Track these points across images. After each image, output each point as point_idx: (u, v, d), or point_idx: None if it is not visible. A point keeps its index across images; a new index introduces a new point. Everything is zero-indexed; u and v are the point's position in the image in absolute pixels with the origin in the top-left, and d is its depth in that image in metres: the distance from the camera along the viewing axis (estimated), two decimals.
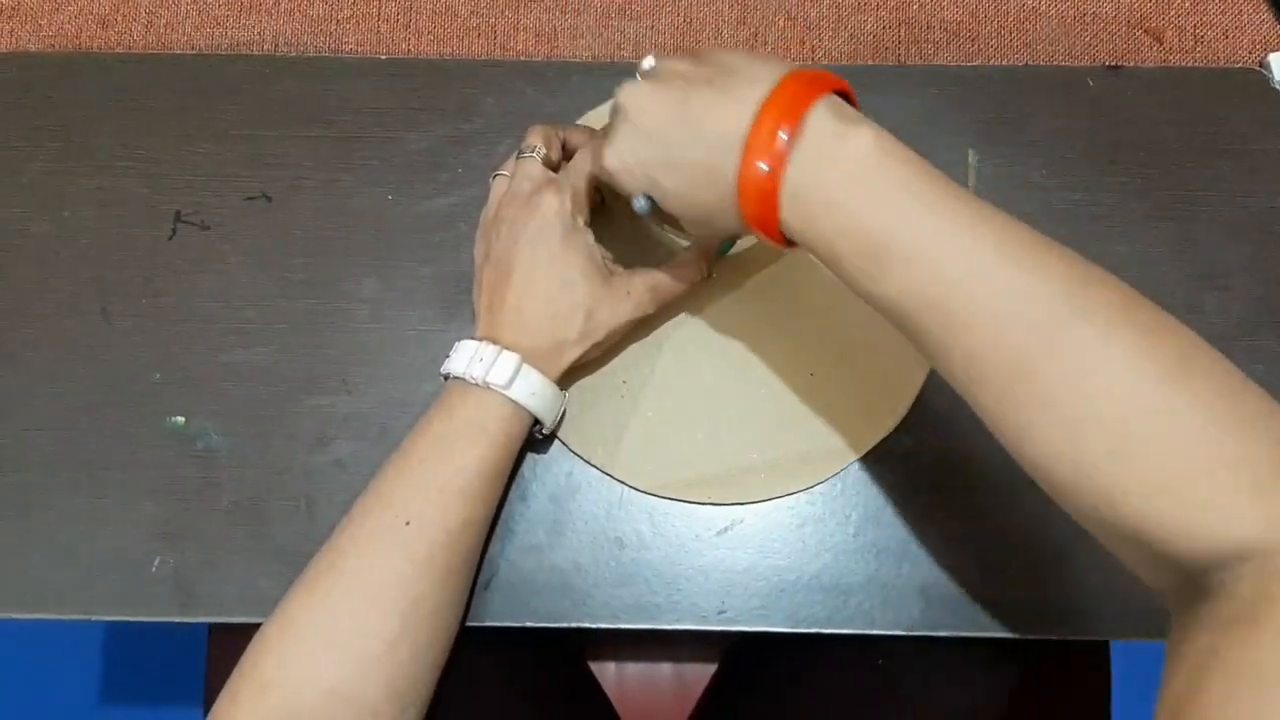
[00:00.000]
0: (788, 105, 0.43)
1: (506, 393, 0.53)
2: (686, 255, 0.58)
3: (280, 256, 0.63)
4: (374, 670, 0.49)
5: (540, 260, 0.55)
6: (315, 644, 0.49)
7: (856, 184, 0.42)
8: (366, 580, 0.50)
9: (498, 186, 0.58)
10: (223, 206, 0.63)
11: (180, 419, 0.61)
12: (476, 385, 0.53)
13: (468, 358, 0.54)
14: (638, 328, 0.59)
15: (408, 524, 0.51)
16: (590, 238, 0.56)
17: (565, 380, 0.58)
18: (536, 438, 0.58)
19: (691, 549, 0.59)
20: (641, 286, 0.56)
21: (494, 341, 0.54)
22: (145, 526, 0.60)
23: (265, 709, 0.48)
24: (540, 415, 0.55)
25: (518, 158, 0.57)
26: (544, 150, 0.57)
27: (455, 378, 0.54)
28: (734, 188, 0.45)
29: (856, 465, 0.60)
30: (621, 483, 0.60)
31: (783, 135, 0.43)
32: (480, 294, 0.57)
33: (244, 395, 0.61)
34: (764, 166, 0.43)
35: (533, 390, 0.54)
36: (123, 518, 0.60)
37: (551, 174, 0.56)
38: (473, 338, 0.55)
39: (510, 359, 0.53)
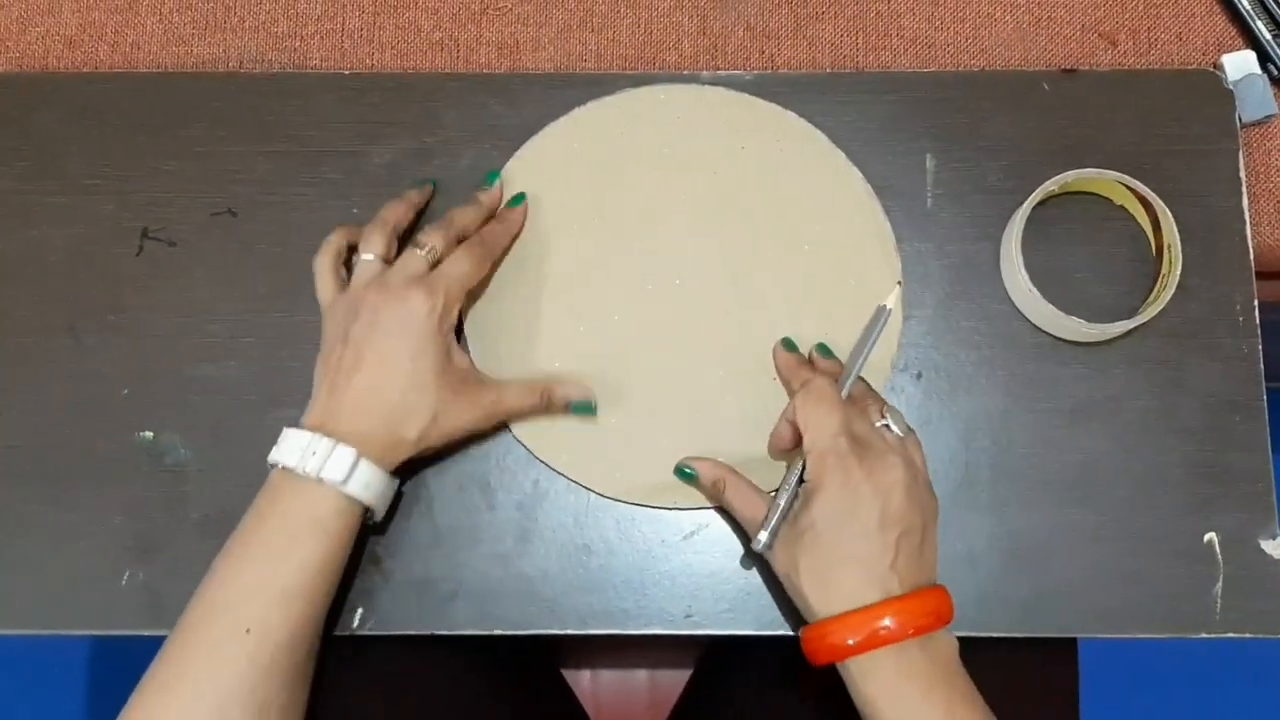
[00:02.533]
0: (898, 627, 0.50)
1: (343, 489, 0.51)
2: (533, 385, 0.59)
3: (246, 271, 0.63)
4: None
5: (399, 354, 0.54)
6: None
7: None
8: (211, 691, 0.48)
9: (365, 270, 0.57)
10: (189, 222, 0.64)
11: (149, 434, 0.61)
12: (308, 479, 0.52)
13: (300, 450, 0.52)
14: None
15: (248, 631, 0.49)
16: (454, 342, 0.57)
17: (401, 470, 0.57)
18: (366, 524, 0.56)
19: (658, 554, 0.60)
20: (488, 399, 0.57)
21: (327, 431, 0.53)
22: (115, 541, 0.60)
23: None
24: (373, 506, 0.54)
25: (411, 246, 0.57)
26: (438, 250, 0.57)
27: (285, 469, 0.52)
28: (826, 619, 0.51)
29: None
30: (588, 489, 0.60)
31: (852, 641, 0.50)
32: (324, 374, 0.55)
33: (212, 409, 0.61)
34: (851, 641, 0.50)
35: (367, 483, 0.52)
36: (92, 532, 0.60)
37: (428, 272, 0.56)
38: (298, 425, 0.54)
39: (346, 453, 0.52)
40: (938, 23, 0.67)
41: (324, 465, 0.51)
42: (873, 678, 0.50)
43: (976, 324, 0.62)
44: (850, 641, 0.49)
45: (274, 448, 0.53)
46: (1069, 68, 0.66)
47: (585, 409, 0.60)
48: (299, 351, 0.61)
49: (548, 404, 0.59)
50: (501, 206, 0.62)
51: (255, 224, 0.64)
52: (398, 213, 0.60)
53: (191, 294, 0.63)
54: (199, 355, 0.62)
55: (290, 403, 0.61)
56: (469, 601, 0.59)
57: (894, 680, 0.49)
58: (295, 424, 0.54)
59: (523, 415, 0.59)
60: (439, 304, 0.55)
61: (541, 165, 0.64)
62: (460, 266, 0.57)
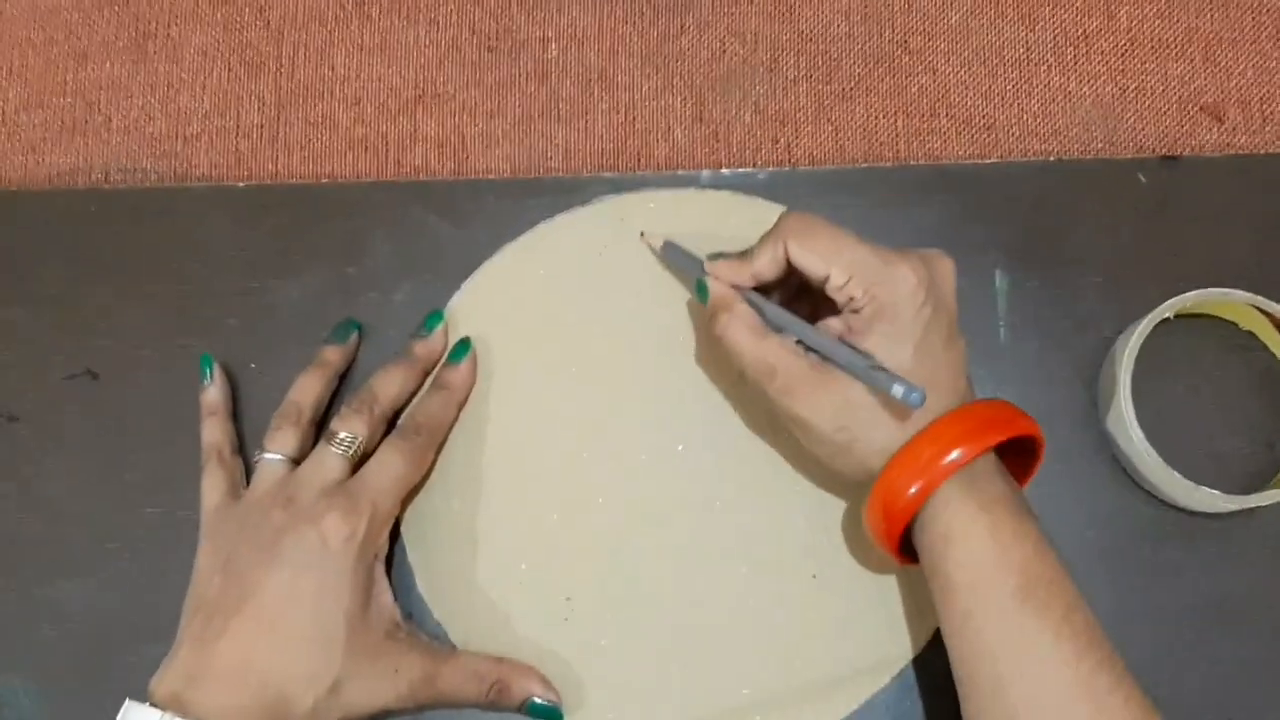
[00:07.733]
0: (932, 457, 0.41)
1: None
2: (481, 670, 0.46)
3: (110, 453, 0.52)
4: None
5: (298, 594, 0.42)
6: None
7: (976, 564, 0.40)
8: None
9: (267, 474, 0.46)
10: (35, 390, 0.52)
11: None
12: None
13: None
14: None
15: None
16: (381, 580, 0.45)
17: None
18: None
19: None
20: (416, 672, 0.44)
21: (182, 706, 0.40)
22: None
23: None
24: None
25: (326, 441, 0.46)
26: (361, 439, 0.46)
27: None
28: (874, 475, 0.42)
29: (879, 697, 0.47)
30: None
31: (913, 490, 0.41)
32: (191, 616, 0.44)
33: (64, 642, 0.50)
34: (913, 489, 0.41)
35: None
36: None
37: (348, 477, 0.45)
38: (144, 697, 0.41)
39: None
40: (997, 99, 0.55)
41: None
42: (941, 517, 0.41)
43: (1072, 493, 0.50)
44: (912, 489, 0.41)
45: None
46: (1169, 154, 0.54)
47: (548, 714, 0.46)
48: (182, 561, 0.48)
49: (497, 697, 0.45)
50: (442, 363, 0.50)
51: (122, 390, 0.53)
52: (313, 392, 0.48)
53: (38, 484, 0.52)
54: (51, 570, 0.51)
55: (170, 630, 0.47)
56: None
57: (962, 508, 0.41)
58: (142, 692, 0.41)
59: (460, 704, 0.46)
60: (360, 528, 0.43)
61: (497, 301, 0.52)
62: (391, 471, 0.45)
